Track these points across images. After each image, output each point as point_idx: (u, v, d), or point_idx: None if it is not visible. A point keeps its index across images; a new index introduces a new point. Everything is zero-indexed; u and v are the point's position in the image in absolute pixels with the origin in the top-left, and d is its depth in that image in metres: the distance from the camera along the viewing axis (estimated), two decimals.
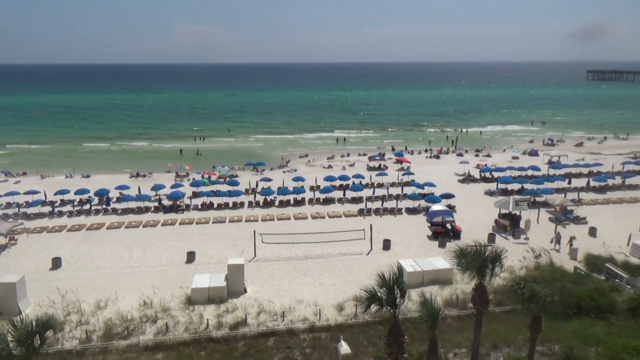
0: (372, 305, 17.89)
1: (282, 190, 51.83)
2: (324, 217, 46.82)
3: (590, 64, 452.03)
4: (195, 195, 53.26)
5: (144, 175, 64.46)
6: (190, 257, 36.57)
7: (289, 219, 46.52)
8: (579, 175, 60.76)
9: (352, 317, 27.44)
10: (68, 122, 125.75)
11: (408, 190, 54.14)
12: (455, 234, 40.55)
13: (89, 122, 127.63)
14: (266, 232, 39.80)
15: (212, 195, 51.77)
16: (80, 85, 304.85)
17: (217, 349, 24.53)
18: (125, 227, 44.28)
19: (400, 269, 19.92)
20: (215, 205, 50.27)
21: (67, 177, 64.70)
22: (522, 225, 42.32)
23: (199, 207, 50.12)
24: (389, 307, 17.68)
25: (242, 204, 50.57)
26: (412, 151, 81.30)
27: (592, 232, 40.66)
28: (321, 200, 52.02)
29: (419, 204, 48.67)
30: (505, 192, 53.51)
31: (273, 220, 46.05)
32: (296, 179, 56.80)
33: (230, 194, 51.54)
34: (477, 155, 76.53)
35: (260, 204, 51.02)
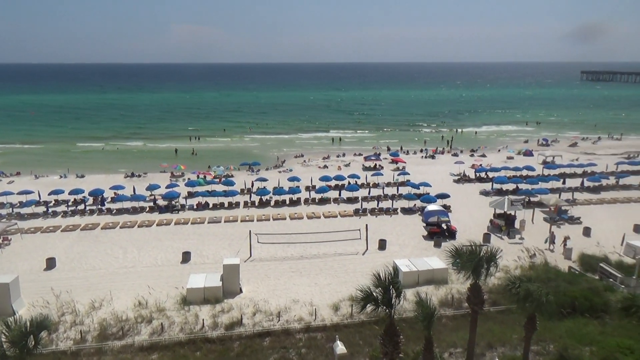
0: (368, 305, 17.94)
1: (278, 190, 51.82)
2: (319, 217, 46.83)
3: (587, 65, 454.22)
4: (191, 195, 53.14)
5: (139, 175, 64.24)
6: (186, 257, 36.49)
7: (285, 219, 46.50)
8: (573, 176, 61.07)
9: (348, 317, 27.44)
10: (62, 122, 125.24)
11: (403, 190, 54.21)
12: (451, 233, 40.69)
13: (84, 121, 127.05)
14: (262, 232, 39.78)
15: (207, 195, 51.69)
16: (75, 84, 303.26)
17: (213, 349, 24.50)
18: (120, 227, 44.15)
19: (395, 268, 19.98)
20: (210, 205, 50.18)
21: (61, 177, 64.38)
22: (517, 225, 42.47)
23: (195, 207, 50.03)
24: (384, 307, 17.73)
25: (237, 204, 50.52)
26: (408, 151, 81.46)
27: (587, 232, 40.90)
28: (317, 200, 52.03)
29: (415, 204, 48.80)
30: (500, 192, 53.74)
31: (269, 220, 46.04)
32: (292, 179, 56.76)
33: (226, 194, 51.50)
34: (472, 156, 76.70)
35: (256, 204, 51.01)
